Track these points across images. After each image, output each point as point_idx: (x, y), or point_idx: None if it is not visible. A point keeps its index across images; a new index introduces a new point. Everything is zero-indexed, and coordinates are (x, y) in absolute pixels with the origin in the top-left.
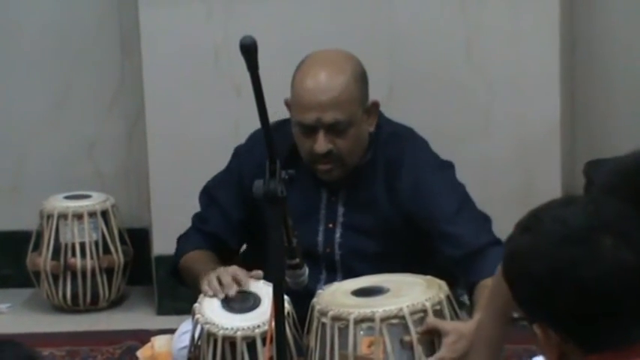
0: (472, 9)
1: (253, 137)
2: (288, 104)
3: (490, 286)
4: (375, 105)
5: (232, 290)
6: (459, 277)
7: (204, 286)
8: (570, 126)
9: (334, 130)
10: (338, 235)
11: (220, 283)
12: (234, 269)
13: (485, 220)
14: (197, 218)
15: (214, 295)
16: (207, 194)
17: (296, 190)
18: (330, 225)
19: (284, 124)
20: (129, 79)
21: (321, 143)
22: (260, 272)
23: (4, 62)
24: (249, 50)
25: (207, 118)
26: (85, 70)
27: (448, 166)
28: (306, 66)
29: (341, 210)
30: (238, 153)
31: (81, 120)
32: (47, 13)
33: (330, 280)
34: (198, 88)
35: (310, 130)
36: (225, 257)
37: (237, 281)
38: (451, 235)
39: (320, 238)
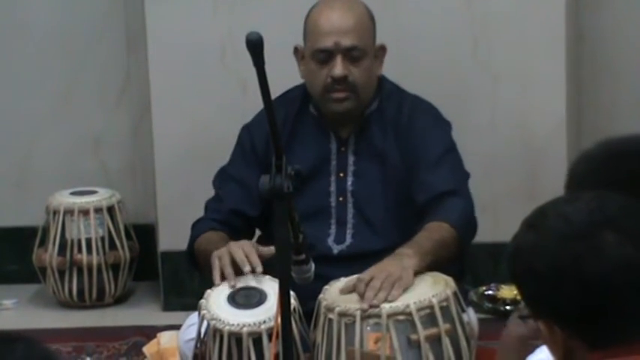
0: (478, 5)
1: (261, 113)
2: (298, 50)
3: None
4: (383, 49)
5: (246, 267)
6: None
7: (215, 274)
8: (576, 122)
9: (350, 56)
10: (349, 183)
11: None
12: (243, 244)
13: (462, 172)
14: (211, 202)
15: (226, 281)
16: (221, 175)
17: (306, 143)
18: (341, 174)
19: (285, 94)
20: (135, 75)
21: (339, 67)
22: (272, 248)
23: (10, 58)
24: (255, 46)
25: (213, 113)
26: (90, 66)
27: (444, 122)
28: (319, 4)
29: (351, 159)
30: (247, 127)
31: (87, 116)
32: (53, 9)
33: (340, 235)
34: (204, 84)
35: (328, 56)
36: (246, 232)
37: (249, 259)
38: (425, 181)
39: (332, 188)
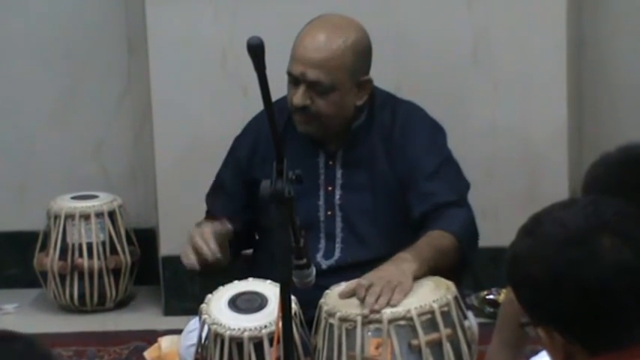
0: (479, 10)
1: (249, 124)
2: None
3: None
4: (369, 82)
5: (209, 255)
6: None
7: (183, 259)
8: (577, 127)
9: (315, 88)
10: (337, 197)
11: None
12: (201, 231)
13: (462, 182)
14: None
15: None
16: (211, 188)
17: (294, 157)
18: (330, 188)
19: (277, 102)
20: (136, 79)
21: (299, 96)
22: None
23: (11, 62)
24: (256, 51)
25: (214, 118)
26: (91, 70)
27: (439, 130)
28: (312, 23)
29: (339, 172)
30: (237, 139)
31: (88, 120)
32: (54, 13)
33: (329, 249)
34: (205, 88)
35: (295, 81)
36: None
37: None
38: (423, 192)
39: (321, 202)
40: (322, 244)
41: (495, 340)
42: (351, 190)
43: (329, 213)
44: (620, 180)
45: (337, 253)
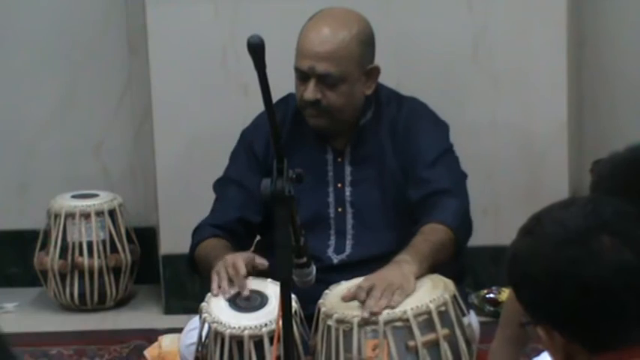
0: (478, 7)
1: (260, 117)
2: None
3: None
4: (376, 69)
5: (245, 291)
6: (419, 219)
7: (213, 284)
8: (577, 124)
9: (325, 81)
10: (348, 193)
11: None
12: (234, 259)
13: (458, 172)
14: (212, 214)
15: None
16: (222, 181)
17: (302, 154)
18: (339, 185)
19: (284, 99)
20: (136, 78)
21: (310, 91)
22: (265, 263)
23: (12, 61)
24: (256, 49)
25: (215, 116)
26: (92, 69)
27: (442, 124)
28: (314, 17)
29: (348, 169)
30: (246, 132)
31: (88, 119)
32: (54, 12)
33: (340, 245)
34: (205, 87)
35: (304, 76)
36: (247, 239)
37: (237, 272)
38: (420, 179)
39: (331, 199)
40: (332, 240)
41: (498, 337)
42: (361, 186)
43: (339, 209)
44: (625, 181)
45: (348, 249)
